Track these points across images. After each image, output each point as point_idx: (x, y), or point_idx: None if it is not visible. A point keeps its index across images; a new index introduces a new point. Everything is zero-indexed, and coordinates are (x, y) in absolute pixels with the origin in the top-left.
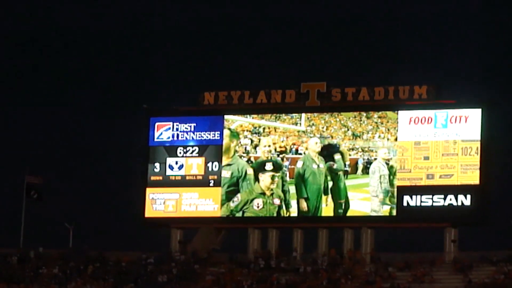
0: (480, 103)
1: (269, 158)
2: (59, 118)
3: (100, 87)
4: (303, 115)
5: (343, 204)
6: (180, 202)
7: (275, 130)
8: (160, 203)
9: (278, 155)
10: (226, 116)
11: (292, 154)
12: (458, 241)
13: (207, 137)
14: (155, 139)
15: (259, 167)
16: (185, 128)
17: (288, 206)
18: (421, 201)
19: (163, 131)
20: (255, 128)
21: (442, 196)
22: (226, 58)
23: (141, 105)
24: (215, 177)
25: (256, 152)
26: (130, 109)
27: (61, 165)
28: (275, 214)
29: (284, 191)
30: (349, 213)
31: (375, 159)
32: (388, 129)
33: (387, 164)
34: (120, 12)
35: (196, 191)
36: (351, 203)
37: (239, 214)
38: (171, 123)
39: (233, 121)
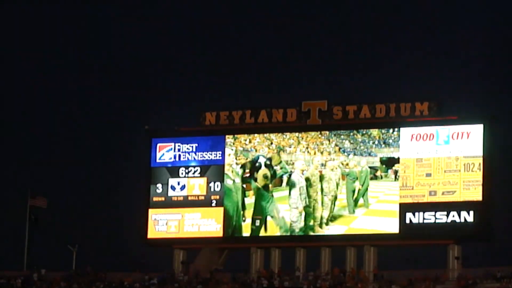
0: (482, 119)
1: None
2: (62, 140)
3: (102, 109)
4: None
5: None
6: (183, 223)
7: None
8: (163, 224)
9: None
10: None
11: None
12: (461, 258)
13: (209, 157)
14: (157, 160)
15: None
16: (187, 148)
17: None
18: (423, 218)
19: (165, 152)
20: None
21: (445, 213)
22: (226, 77)
23: (142, 127)
24: (217, 197)
25: None
26: (132, 131)
27: (64, 187)
28: None
29: None
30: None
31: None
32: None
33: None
34: (121, 32)
35: (198, 211)
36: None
37: None
38: (172, 143)
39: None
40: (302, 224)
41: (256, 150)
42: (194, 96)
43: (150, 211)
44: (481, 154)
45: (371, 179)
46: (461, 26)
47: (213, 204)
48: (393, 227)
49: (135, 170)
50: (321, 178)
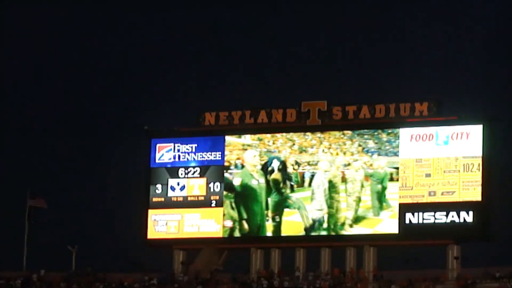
0: (481, 119)
1: None
2: (62, 140)
3: (102, 109)
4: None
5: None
6: (182, 223)
7: None
8: (162, 224)
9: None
10: None
11: (238, 169)
12: (461, 258)
13: (209, 157)
14: (157, 161)
15: None
16: (186, 149)
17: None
18: (423, 218)
19: (164, 152)
20: None
21: (445, 213)
22: (226, 77)
23: (142, 127)
24: (217, 197)
25: None
26: (132, 131)
27: (63, 188)
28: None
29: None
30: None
31: None
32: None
33: None
34: (119, 33)
35: (198, 212)
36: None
37: None
38: (172, 144)
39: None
40: (326, 225)
41: (279, 151)
42: (194, 96)
43: (150, 211)
44: (481, 154)
45: (397, 180)
46: (461, 26)
47: (213, 205)
48: (392, 227)
49: (134, 170)
50: (344, 179)
